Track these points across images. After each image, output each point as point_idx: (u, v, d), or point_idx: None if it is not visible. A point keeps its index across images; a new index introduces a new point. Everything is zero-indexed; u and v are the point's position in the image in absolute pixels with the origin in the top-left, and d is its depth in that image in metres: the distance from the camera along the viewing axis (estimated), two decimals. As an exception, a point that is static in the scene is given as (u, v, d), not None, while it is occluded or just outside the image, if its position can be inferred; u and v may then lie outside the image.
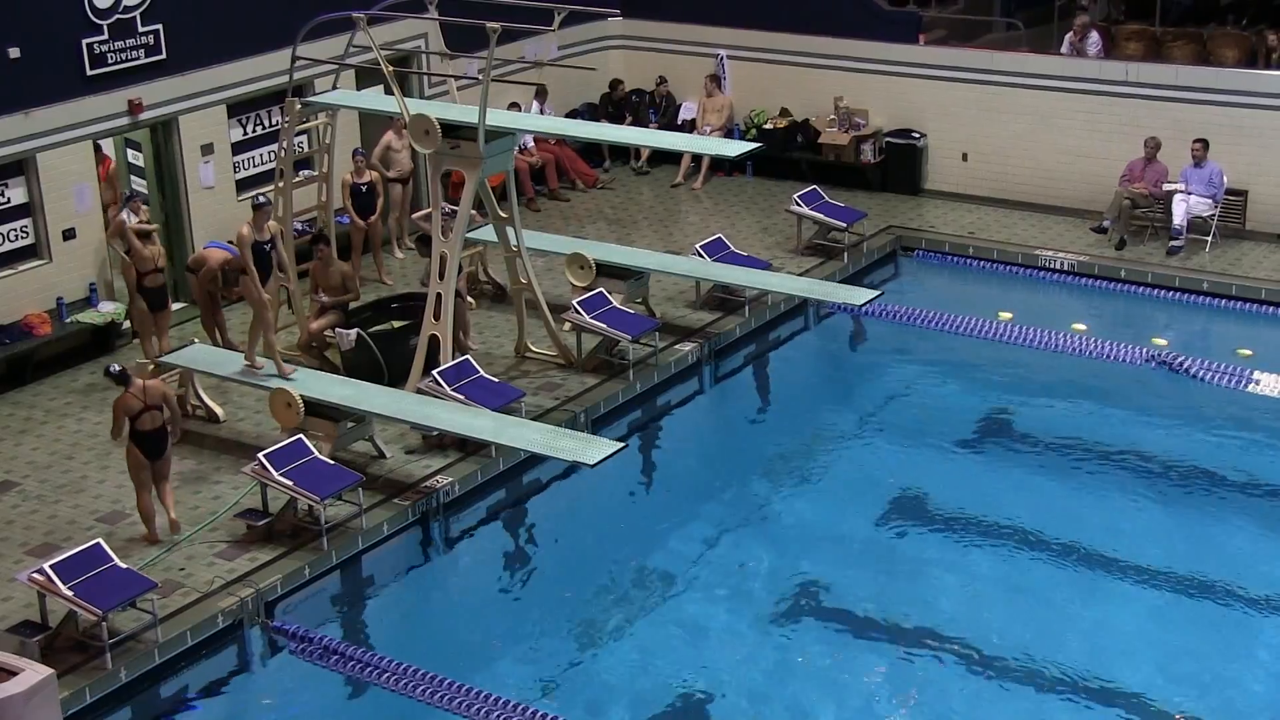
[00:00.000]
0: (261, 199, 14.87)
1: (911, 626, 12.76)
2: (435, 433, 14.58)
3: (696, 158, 22.17)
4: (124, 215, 16.69)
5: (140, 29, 17.14)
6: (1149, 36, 20.94)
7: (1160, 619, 12.82)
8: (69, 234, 16.89)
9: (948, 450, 15.60)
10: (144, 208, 17.03)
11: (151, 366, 15.03)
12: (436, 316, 15.17)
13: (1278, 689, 11.92)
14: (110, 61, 16.94)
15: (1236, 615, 12.85)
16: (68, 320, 16.71)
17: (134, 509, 13.54)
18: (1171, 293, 18.52)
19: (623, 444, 13.78)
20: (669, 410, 16.64)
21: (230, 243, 17.37)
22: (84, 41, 16.67)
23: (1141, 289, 18.66)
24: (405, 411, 14.37)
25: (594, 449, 13.48)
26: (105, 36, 16.84)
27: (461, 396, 14.54)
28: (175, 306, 17.82)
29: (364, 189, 18.37)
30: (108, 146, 18.37)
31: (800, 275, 18.51)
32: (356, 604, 13.49)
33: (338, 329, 16.00)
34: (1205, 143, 18.90)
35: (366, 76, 18.34)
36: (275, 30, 17.59)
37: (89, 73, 16.77)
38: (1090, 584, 13.34)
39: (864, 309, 17.36)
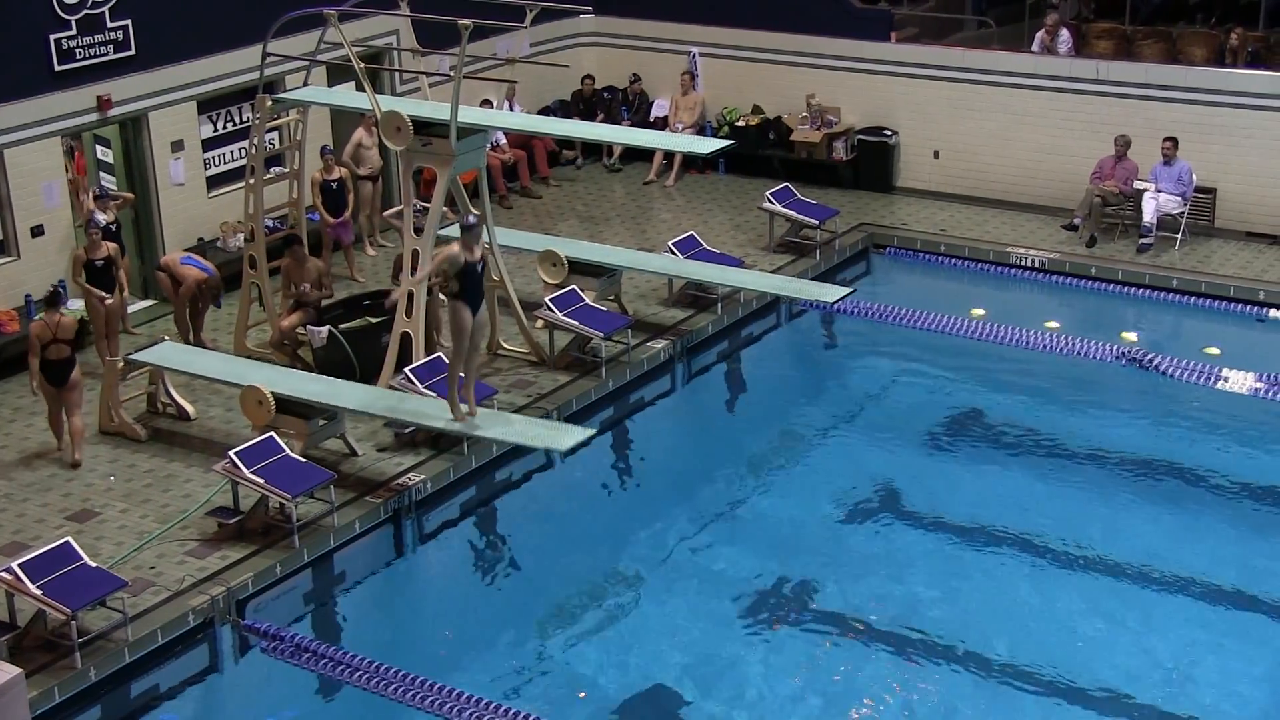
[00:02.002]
0: (472, 219, 13.55)
1: (885, 623, 12.79)
2: (408, 430, 14.54)
3: (669, 155, 22.19)
4: (95, 214, 16.64)
5: (109, 24, 17.04)
6: (1119, 35, 21.04)
7: (1131, 613, 12.87)
8: (37, 231, 16.79)
9: (920, 447, 15.64)
10: (114, 205, 16.94)
11: (121, 364, 14.96)
12: (408, 314, 15.13)
13: (1249, 685, 11.99)
14: (79, 57, 16.84)
15: (1207, 610, 12.93)
16: (36, 317, 16.56)
17: (103, 507, 13.68)
18: (1141, 290, 18.60)
19: (593, 431, 13.84)
20: (641, 407, 16.64)
21: (191, 251, 17.25)
22: (52, 37, 16.57)
23: (1112, 286, 18.73)
24: (378, 406, 14.31)
25: (565, 436, 13.55)
26: (74, 32, 16.74)
27: (434, 394, 14.49)
28: (144, 304, 17.83)
29: (334, 185, 18.31)
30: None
31: (773, 272, 18.53)
32: (328, 602, 13.44)
33: (309, 326, 15.95)
34: (1175, 141, 19.00)
35: (338, 73, 18.28)
36: (246, 26, 17.52)
37: (57, 68, 16.67)
38: (1061, 579, 13.40)
39: (836, 306, 17.39)
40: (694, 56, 22.69)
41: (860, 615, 12.92)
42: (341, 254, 18.70)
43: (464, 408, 13.66)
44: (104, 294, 15.77)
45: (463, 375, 13.58)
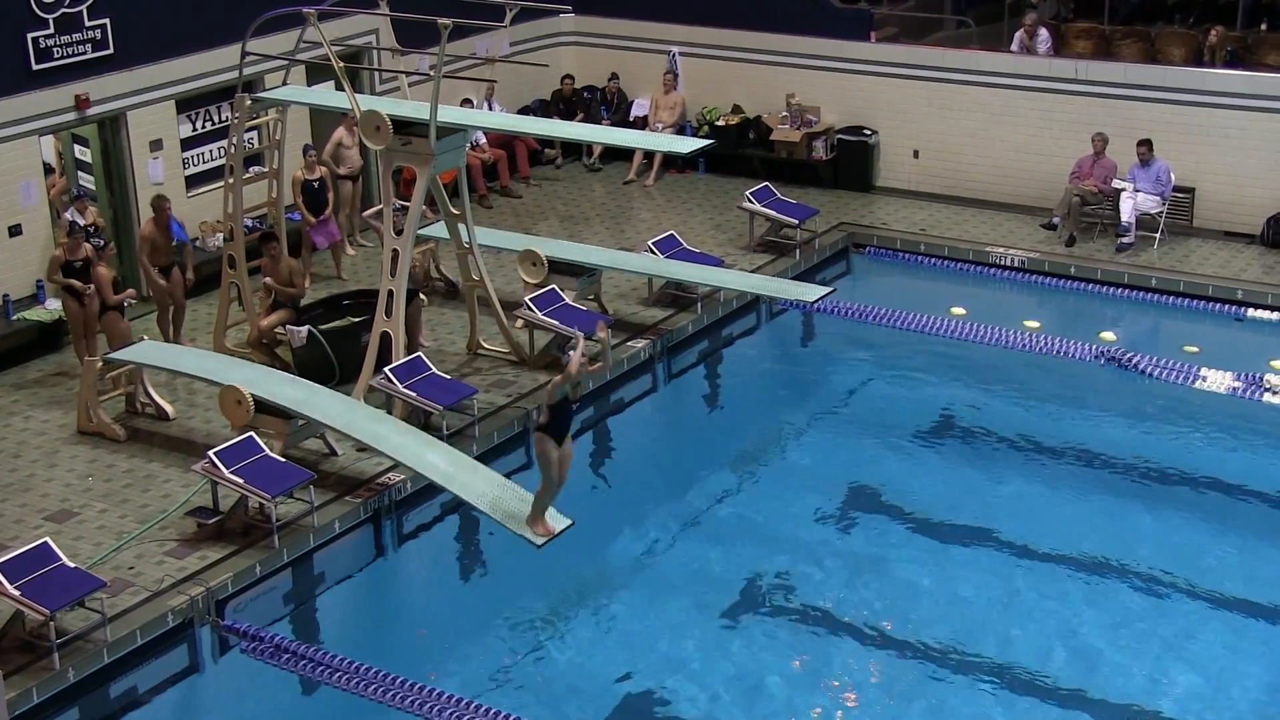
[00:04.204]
0: (569, 354, 12.06)
1: (865, 622, 12.80)
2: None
3: (649, 154, 22.19)
4: (68, 215, 16.59)
5: (87, 23, 16.98)
6: (1098, 35, 21.12)
7: (1110, 613, 12.90)
8: (15, 230, 16.72)
9: (900, 446, 15.66)
10: (90, 207, 16.88)
11: (99, 364, 14.91)
12: (388, 313, 15.11)
13: (1231, 685, 12.02)
14: (56, 56, 16.77)
15: (1186, 609, 12.97)
16: (14, 318, 16.55)
17: (82, 508, 13.65)
18: (1120, 289, 18.65)
19: (570, 522, 12.73)
20: (622, 407, 16.63)
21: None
22: (29, 35, 16.50)
23: (1091, 286, 18.77)
24: (357, 430, 13.91)
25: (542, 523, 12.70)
26: (51, 30, 16.67)
27: (413, 394, 14.48)
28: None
29: (315, 185, 18.28)
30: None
31: (753, 272, 18.54)
32: (308, 602, 13.42)
33: (289, 326, 15.91)
34: (1149, 144, 19.04)
35: (317, 72, 18.24)
36: (225, 25, 17.48)
37: (34, 67, 16.60)
38: (1040, 578, 13.42)
39: (816, 305, 17.40)
40: (674, 56, 22.70)
41: (843, 613, 12.93)
42: (327, 253, 18.69)
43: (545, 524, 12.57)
44: (86, 285, 15.66)
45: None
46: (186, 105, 18.28)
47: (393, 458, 13.69)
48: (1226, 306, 18.11)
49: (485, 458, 14.77)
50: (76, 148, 18.24)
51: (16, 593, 11.49)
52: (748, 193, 19.79)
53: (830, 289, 17.26)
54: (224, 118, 18.45)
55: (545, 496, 12.50)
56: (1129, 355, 16.86)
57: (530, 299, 16.31)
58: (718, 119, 22.34)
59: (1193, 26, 21.10)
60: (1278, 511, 14.50)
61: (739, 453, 15.73)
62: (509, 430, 15.04)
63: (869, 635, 12.63)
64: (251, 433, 13.65)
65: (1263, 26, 20.70)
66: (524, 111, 22.57)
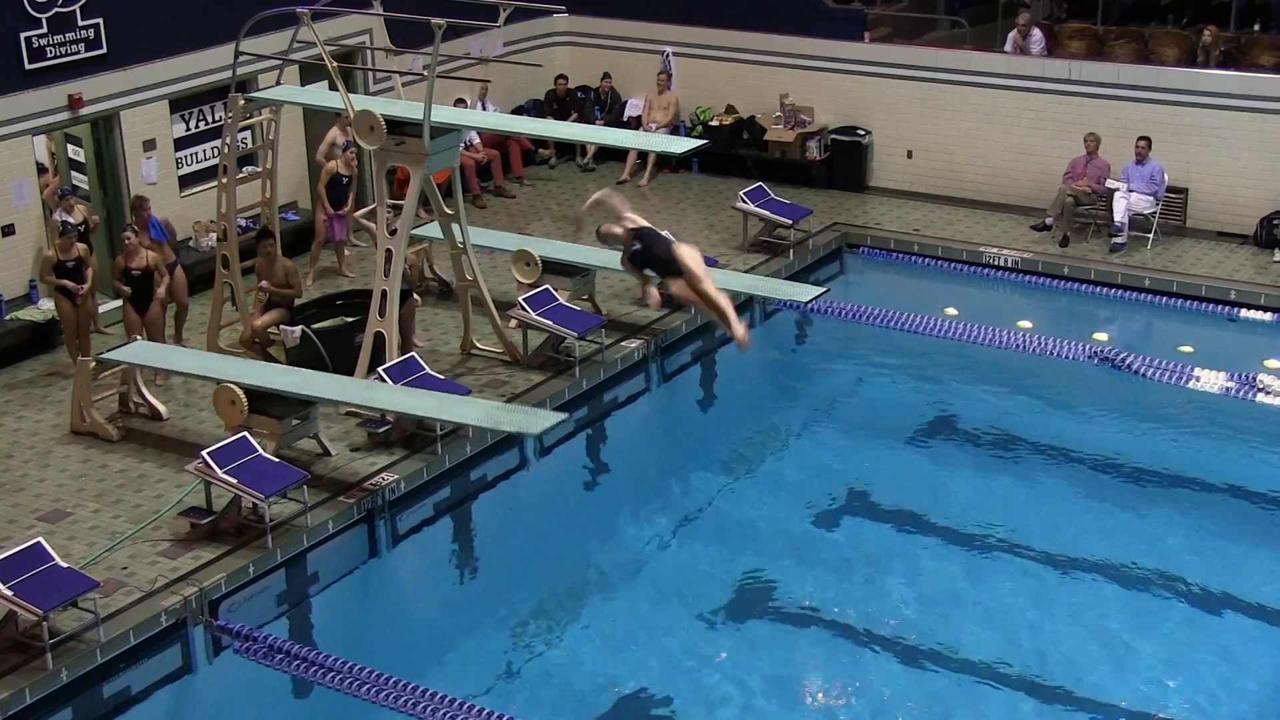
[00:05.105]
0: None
1: (858, 622, 12.81)
2: (381, 430, 14.52)
3: (643, 154, 22.19)
4: (57, 215, 16.56)
5: (80, 23, 16.95)
6: (1091, 35, 21.13)
7: (1103, 613, 12.92)
8: (8, 230, 16.70)
9: (893, 446, 15.67)
10: (78, 205, 16.85)
11: (92, 364, 14.89)
12: (382, 314, 15.10)
13: (1225, 685, 12.05)
14: (49, 55, 16.74)
15: (1177, 608, 12.99)
16: (7, 318, 16.53)
17: (75, 508, 13.64)
18: (1114, 290, 18.66)
19: (565, 415, 13.98)
20: (616, 407, 16.63)
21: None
22: (22, 35, 16.48)
23: (1084, 286, 18.79)
24: (349, 395, 14.32)
25: (537, 421, 13.68)
26: (44, 30, 16.65)
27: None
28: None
29: (344, 180, 18.33)
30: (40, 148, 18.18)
31: (746, 272, 18.54)
32: (301, 602, 13.40)
33: (282, 326, 15.90)
34: (1149, 140, 19.06)
35: (311, 72, 18.23)
36: (218, 25, 17.46)
37: (27, 67, 16.58)
38: (1033, 578, 13.44)
39: (810, 306, 17.40)
40: (667, 56, 22.70)
41: (837, 614, 12.94)
42: (331, 250, 18.71)
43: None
44: (79, 285, 15.65)
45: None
46: (180, 105, 18.26)
47: (385, 409, 14.13)
48: (1220, 307, 18.14)
49: (478, 458, 14.80)
50: (70, 147, 18.21)
51: (9, 593, 11.48)
52: (741, 193, 19.79)
53: (824, 289, 17.25)
54: (217, 118, 18.42)
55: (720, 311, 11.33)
56: (1122, 355, 16.88)
57: (524, 299, 16.30)
58: (711, 119, 22.35)
59: (1186, 27, 21.12)
60: (1272, 511, 14.51)
61: (732, 453, 15.73)
62: (502, 431, 15.01)
63: (864, 634, 12.64)
64: (245, 433, 13.64)
65: (1256, 27, 20.73)
66: (518, 111, 22.58)
